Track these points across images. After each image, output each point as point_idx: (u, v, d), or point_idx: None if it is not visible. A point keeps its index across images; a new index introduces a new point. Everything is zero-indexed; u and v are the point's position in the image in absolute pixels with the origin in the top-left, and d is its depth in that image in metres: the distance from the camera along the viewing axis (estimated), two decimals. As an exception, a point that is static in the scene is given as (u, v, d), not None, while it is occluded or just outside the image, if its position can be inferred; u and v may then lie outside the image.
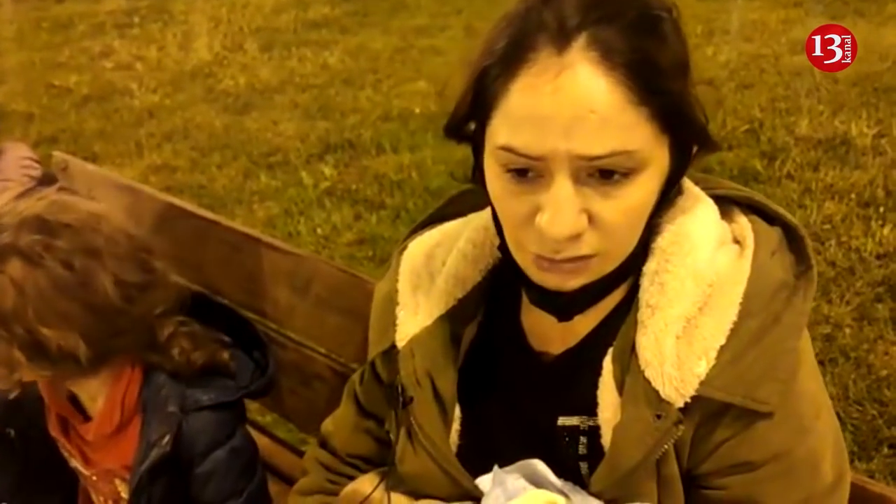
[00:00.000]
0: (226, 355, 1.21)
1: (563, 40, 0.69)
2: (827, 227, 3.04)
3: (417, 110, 4.47)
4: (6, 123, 5.09)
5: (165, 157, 4.41)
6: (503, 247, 0.81)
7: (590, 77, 0.68)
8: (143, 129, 4.77)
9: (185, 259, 1.55)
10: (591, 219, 0.72)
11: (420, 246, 0.97)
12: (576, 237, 0.72)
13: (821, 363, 2.41)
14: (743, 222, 0.82)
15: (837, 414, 2.40)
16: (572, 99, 0.68)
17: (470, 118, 0.78)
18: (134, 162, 4.40)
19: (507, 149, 0.72)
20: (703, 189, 0.84)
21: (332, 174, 3.96)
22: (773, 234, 0.80)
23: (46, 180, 1.74)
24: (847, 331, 2.53)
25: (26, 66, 6.11)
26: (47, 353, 1.07)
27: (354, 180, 3.88)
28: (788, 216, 0.82)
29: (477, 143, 0.79)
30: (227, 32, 6.25)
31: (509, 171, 0.73)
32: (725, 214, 0.83)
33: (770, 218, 0.82)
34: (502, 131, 0.72)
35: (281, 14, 6.64)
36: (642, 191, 0.73)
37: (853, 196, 3.20)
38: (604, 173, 0.70)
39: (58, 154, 1.88)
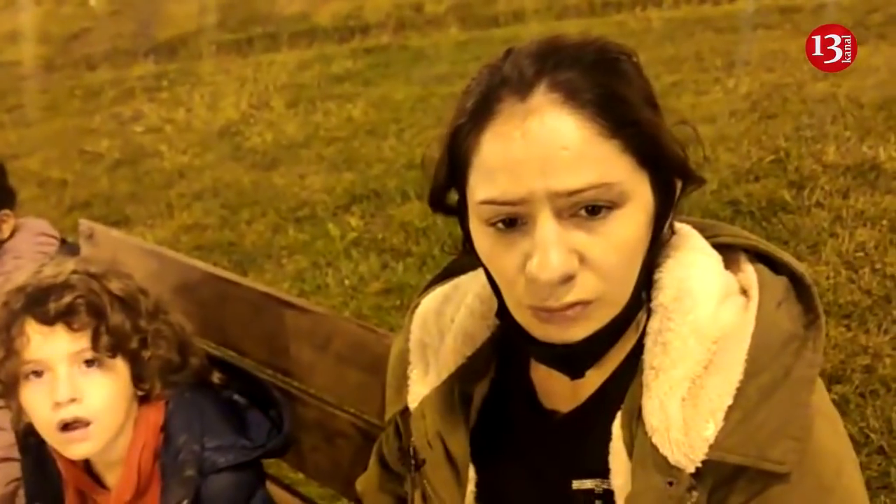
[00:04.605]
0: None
1: (525, 88, 0.70)
2: (860, 254, 2.98)
3: (440, 157, 4.51)
4: (42, 190, 5.23)
5: (196, 216, 4.48)
6: (501, 312, 0.80)
7: (556, 117, 0.69)
8: (173, 190, 4.87)
9: (209, 319, 1.57)
10: (583, 259, 0.71)
11: (431, 302, 0.97)
12: (568, 279, 0.70)
13: (861, 395, 2.34)
14: (749, 271, 0.79)
15: (881, 448, 2.28)
16: (542, 139, 0.69)
17: (449, 184, 0.78)
18: (165, 222, 4.47)
19: (487, 201, 0.72)
20: (707, 237, 0.82)
21: (359, 224, 3.99)
22: (779, 283, 0.77)
23: (64, 253, 1.75)
24: (887, 360, 2.46)
25: (60, 134, 6.29)
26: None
27: (381, 230, 3.90)
28: (795, 264, 0.78)
29: (461, 211, 0.79)
30: (254, 91, 6.38)
31: (493, 224, 0.73)
32: (731, 263, 0.81)
33: (776, 265, 0.79)
34: (480, 186, 0.73)
35: (305, 70, 6.77)
36: (630, 225, 0.72)
37: (885, 222, 3.13)
38: (588, 210, 0.70)
39: (83, 221, 1.92)
